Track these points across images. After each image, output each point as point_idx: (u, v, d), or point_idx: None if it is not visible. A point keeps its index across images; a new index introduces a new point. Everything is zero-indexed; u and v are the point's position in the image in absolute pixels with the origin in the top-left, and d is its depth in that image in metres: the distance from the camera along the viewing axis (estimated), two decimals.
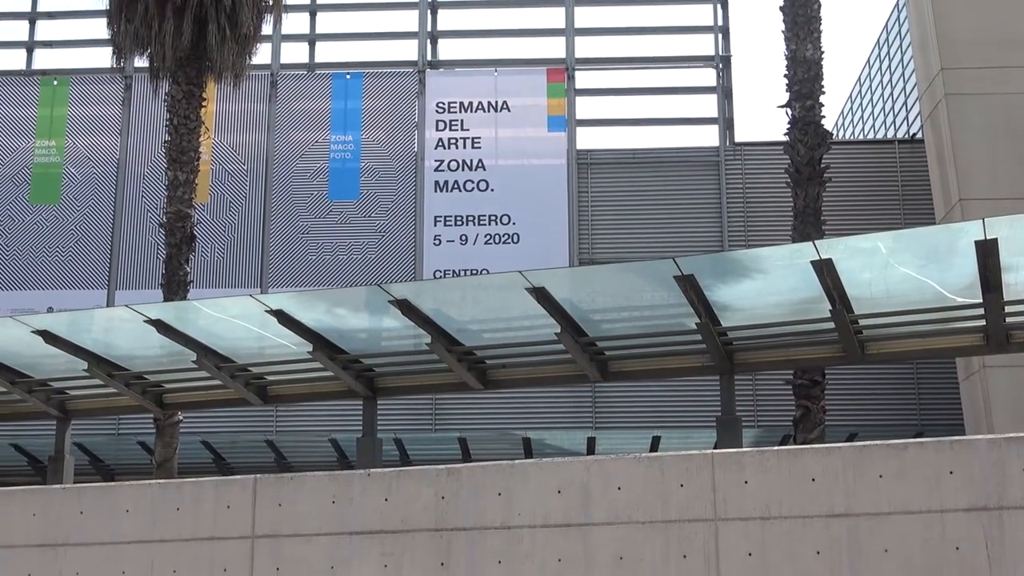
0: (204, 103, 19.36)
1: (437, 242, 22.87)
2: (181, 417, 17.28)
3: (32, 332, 12.11)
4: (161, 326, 11.89)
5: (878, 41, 28.38)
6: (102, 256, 23.08)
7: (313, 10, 24.47)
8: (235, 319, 12.19)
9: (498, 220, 22.88)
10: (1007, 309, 10.91)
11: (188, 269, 18.35)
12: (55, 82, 24.32)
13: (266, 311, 11.60)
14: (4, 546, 9.91)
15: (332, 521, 9.39)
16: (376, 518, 9.30)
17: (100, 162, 23.68)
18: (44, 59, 25.01)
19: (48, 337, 12.17)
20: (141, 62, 19.90)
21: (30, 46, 24.87)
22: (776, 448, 9.36)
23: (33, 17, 24.93)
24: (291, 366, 12.91)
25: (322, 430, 21.62)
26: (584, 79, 23.69)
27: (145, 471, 18.86)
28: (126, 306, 12.27)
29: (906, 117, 25.17)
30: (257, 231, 23.09)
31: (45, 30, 25.14)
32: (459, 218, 22.97)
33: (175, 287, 18.09)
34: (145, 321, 11.79)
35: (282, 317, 11.61)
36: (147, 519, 9.73)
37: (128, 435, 21.70)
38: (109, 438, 22.03)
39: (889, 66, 27.46)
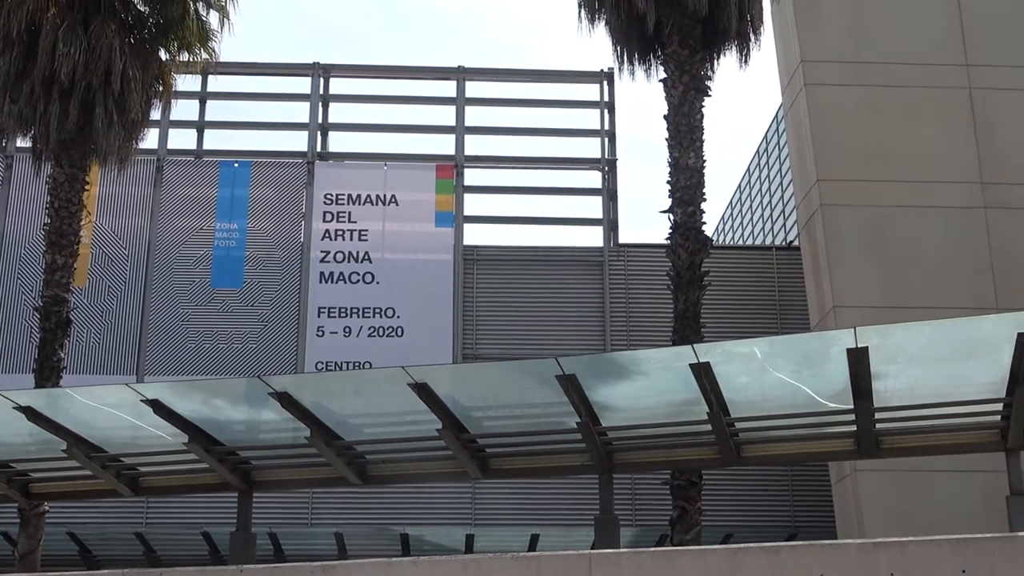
0: (87, 186, 19.07)
1: (320, 334, 22.71)
2: (47, 508, 16.69)
3: None
4: (31, 413, 11.56)
5: (758, 150, 29.21)
6: None
7: (203, 97, 24.35)
8: (109, 408, 11.91)
9: (383, 313, 22.83)
10: (876, 415, 11.15)
11: (62, 355, 17.88)
12: None
13: (141, 400, 11.36)
14: None
15: None
16: None
17: None
18: None
19: None
20: (24, 142, 19.56)
21: None
22: (652, 549, 9.43)
23: None
24: (165, 457, 12.62)
25: (195, 523, 21.11)
26: (473, 176, 23.94)
27: (7, 563, 18.20)
28: None
29: (784, 225, 25.87)
30: (136, 317, 22.69)
31: None
32: (343, 310, 22.87)
33: (48, 373, 17.62)
34: (14, 408, 11.45)
35: (158, 407, 11.38)
36: None
37: None
38: None
39: (768, 175, 28.27)
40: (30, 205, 21.74)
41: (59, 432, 11.95)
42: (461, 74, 24.37)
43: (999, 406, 10.86)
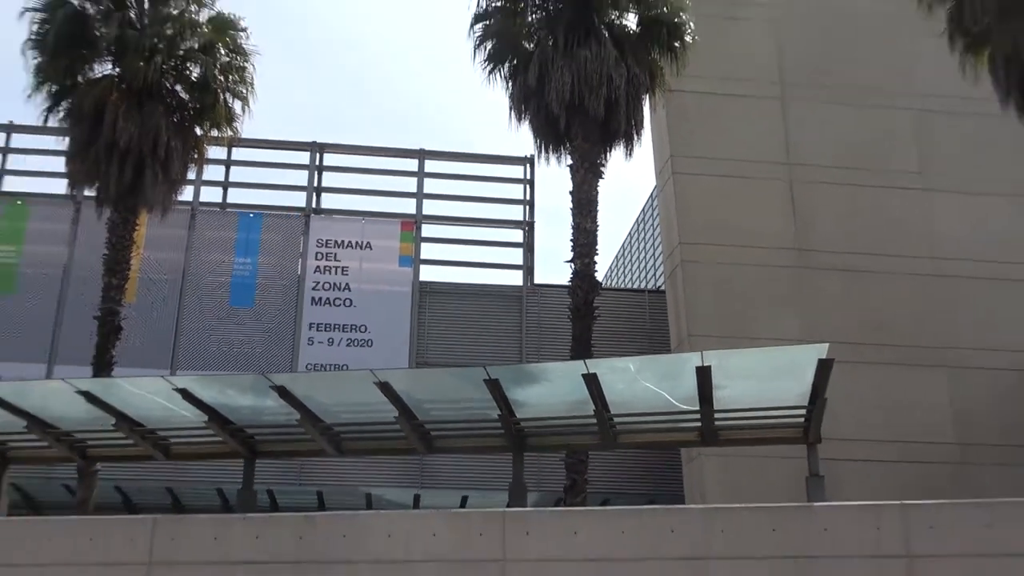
0: (137, 227, 18.90)
1: (311, 343, 22.60)
2: (99, 467, 16.47)
3: None
4: (88, 396, 11.44)
5: (637, 218, 29.57)
6: (45, 338, 22.05)
7: (227, 163, 24.25)
8: (148, 394, 11.82)
9: (357, 329, 22.78)
10: (716, 416, 11.33)
11: (114, 353, 17.69)
12: (18, 202, 23.39)
13: (173, 389, 11.31)
14: None
15: (214, 553, 9.13)
16: (250, 552, 9.07)
17: (51, 265, 22.75)
18: (8, 182, 23.95)
19: None
20: (90, 192, 19.31)
21: (0, 172, 23.87)
22: (551, 509, 9.52)
23: (5, 150, 24.03)
24: (190, 431, 12.53)
25: (211, 482, 20.84)
26: (428, 230, 24.00)
27: (68, 508, 17.84)
28: (61, 379, 11.85)
29: (654, 274, 26.18)
30: (171, 327, 22.42)
31: (13, 160, 24.19)
32: (328, 325, 22.79)
33: (102, 367, 17.42)
34: (76, 391, 11.34)
35: (185, 394, 11.33)
36: (65, 547, 9.27)
37: (56, 479, 20.51)
38: (40, 481, 20.80)
39: (644, 236, 28.60)
40: (93, 240, 21.38)
41: (109, 411, 11.83)
42: (421, 154, 24.47)
43: (803, 411, 11.04)
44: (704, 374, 10.21)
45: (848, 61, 23.58)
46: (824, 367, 10.04)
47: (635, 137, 19.25)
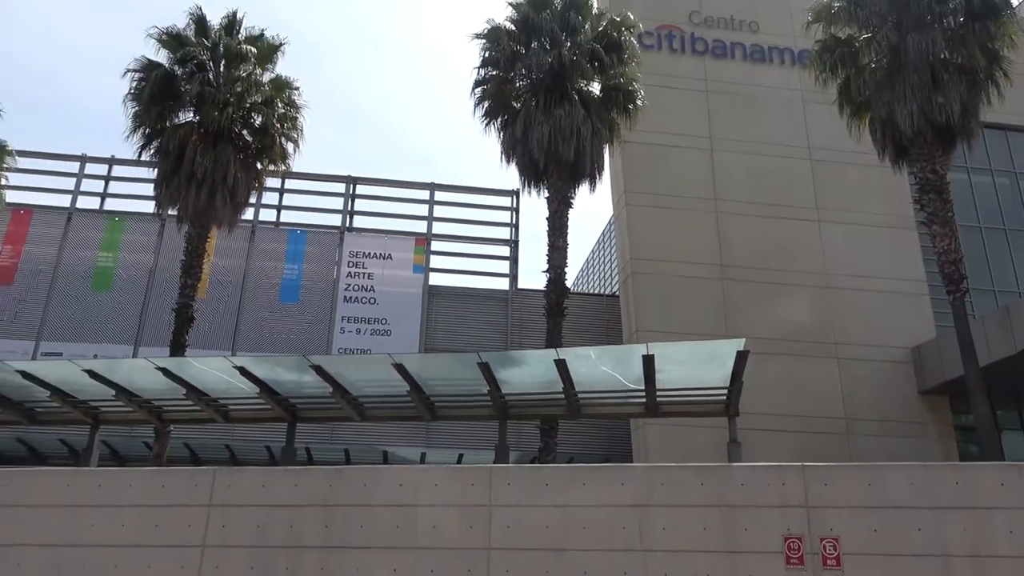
0: (209, 239, 18.65)
1: (342, 332, 22.36)
2: (172, 428, 16.21)
3: (81, 371, 11.31)
4: (165, 372, 11.29)
5: (599, 238, 29.55)
6: (133, 325, 21.73)
7: (281, 191, 24.01)
8: (213, 370, 11.65)
9: (379, 321, 22.55)
10: (657, 393, 11.34)
11: (187, 338, 17.41)
12: (116, 218, 23.09)
13: (233, 367, 11.15)
14: (46, 505, 9.06)
15: (262, 497, 8.93)
16: (289, 496, 8.89)
17: (140, 268, 22.46)
18: (109, 203, 23.73)
19: (91, 374, 11.37)
20: (172, 212, 19.08)
21: (104, 195, 23.65)
22: (528, 466, 9.38)
23: (108, 178, 23.77)
24: (245, 400, 12.39)
25: (260, 440, 20.60)
26: (436, 245, 23.77)
27: (146, 461, 17.57)
28: (144, 358, 11.65)
29: (611, 281, 26.14)
30: (233, 318, 22.14)
31: (114, 186, 23.94)
32: (356, 318, 22.55)
33: (177, 348, 17.13)
34: (155, 368, 11.16)
35: (242, 371, 11.19)
36: (142, 491, 9.05)
37: (137, 437, 20.21)
38: (125, 439, 20.49)
39: (603, 252, 28.57)
40: (174, 249, 21.16)
41: (181, 383, 11.65)
42: (432, 187, 24.32)
43: (725, 391, 11.07)
44: (649, 361, 10.20)
45: (762, 121, 23.68)
46: (741, 357, 10.06)
47: (598, 176, 19.19)
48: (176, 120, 18.53)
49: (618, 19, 19.62)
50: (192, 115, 18.47)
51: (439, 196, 24.32)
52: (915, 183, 18.08)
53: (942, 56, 17.49)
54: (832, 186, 23.20)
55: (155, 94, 18.08)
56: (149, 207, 22.11)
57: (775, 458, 11.34)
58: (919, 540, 8.04)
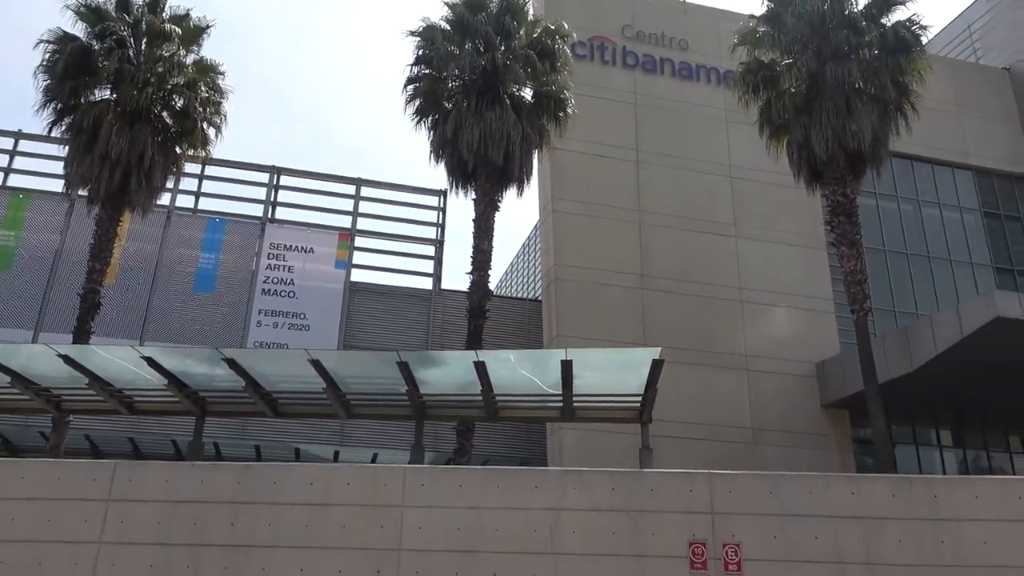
0: (120, 223, 17.87)
1: (259, 325, 21.75)
2: (71, 418, 15.45)
3: None
4: (67, 359, 10.74)
5: (524, 242, 29.67)
6: (34, 309, 20.62)
7: (200, 177, 23.18)
8: (118, 359, 11.16)
9: (298, 316, 22.05)
10: (574, 398, 11.45)
11: (92, 325, 16.63)
12: (20, 195, 21.86)
13: (140, 356, 10.72)
14: None
15: (165, 493, 8.61)
16: (194, 492, 8.60)
17: (44, 249, 21.32)
18: (13, 179, 22.42)
19: None
20: (83, 193, 18.18)
21: (7, 171, 22.34)
22: (442, 467, 9.35)
23: (13, 153, 22.49)
24: (152, 392, 11.91)
25: (166, 434, 19.84)
26: (359, 241, 23.37)
27: (42, 453, 16.68)
28: (45, 344, 11.07)
29: (534, 286, 26.29)
30: (143, 305, 21.27)
31: (19, 161, 22.67)
32: (274, 311, 21.98)
33: (81, 335, 16.35)
34: (57, 355, 10.62)
35: (150, 362, 10.76)
36: (36, 484, 8.60)
37: (32, 426, 19.18)
38: (19, 428, 19.41)
39: (527, 256, 28.71)
40: (83, 231, 20.20)
41: (84, 372, 11.12)
42: (358, 182, 23.92)
43: (639, 398, 11.25)
44: (567, 366, 10.29)
45: (687, 137, 24.28)
46: (656, 365, 10.25)
47: (525, 181, 19.27)
48: (91, 97, 17.71)
49: (553, 27, 19.80)
50: (109, 92, 17.69)
51: (365, 192, 23.93)
52: (827, 205, 18.86)
53: (857, 86, 18.38)
54: (750, 204, 23.96)
55: (69, 68, 17.26)
56: (57, 186, 21.04)
57: (685, 465, 11.64)
58: (816, 547, 8.38)
